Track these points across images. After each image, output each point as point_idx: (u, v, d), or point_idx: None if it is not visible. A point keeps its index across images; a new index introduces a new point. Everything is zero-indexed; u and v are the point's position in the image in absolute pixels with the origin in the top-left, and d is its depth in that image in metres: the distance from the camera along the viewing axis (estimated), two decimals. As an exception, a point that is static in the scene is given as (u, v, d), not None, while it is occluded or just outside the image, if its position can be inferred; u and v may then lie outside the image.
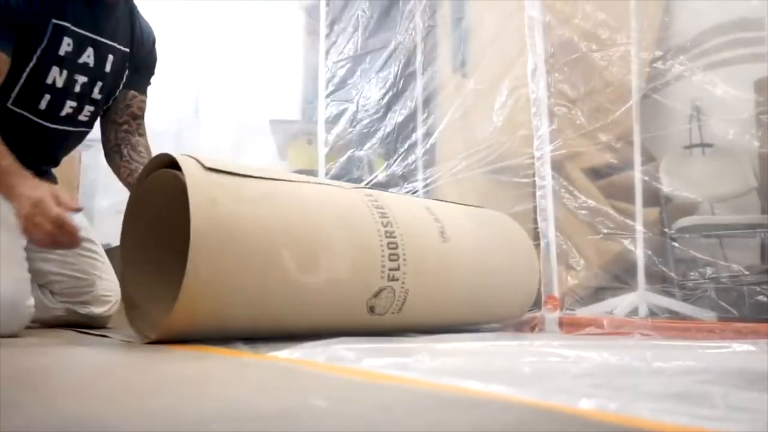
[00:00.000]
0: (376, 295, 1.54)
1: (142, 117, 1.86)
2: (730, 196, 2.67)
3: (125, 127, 1.82)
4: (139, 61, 1.81)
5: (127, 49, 1.76)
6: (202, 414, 0.65)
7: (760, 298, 2.29)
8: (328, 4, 4.11)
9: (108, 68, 1.72)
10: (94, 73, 1.70)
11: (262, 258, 1.34)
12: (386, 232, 1.57)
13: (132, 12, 1.78)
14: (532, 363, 1.07)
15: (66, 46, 1.61)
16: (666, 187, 2.65)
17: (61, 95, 1.66)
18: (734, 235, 2.63)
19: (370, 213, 1.58)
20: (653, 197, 2.65)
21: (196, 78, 4.90)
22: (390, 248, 1.56)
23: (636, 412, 0.64)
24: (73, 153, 3.16)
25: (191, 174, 1.30)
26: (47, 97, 1.65)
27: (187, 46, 4.69)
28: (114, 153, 1.82)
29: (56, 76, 1.63)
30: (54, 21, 1.58)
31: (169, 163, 1.41)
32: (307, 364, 1.04)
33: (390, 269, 1.56)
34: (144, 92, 1.87)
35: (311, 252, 1.42)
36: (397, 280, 1.57)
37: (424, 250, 1.67)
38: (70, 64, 1.64)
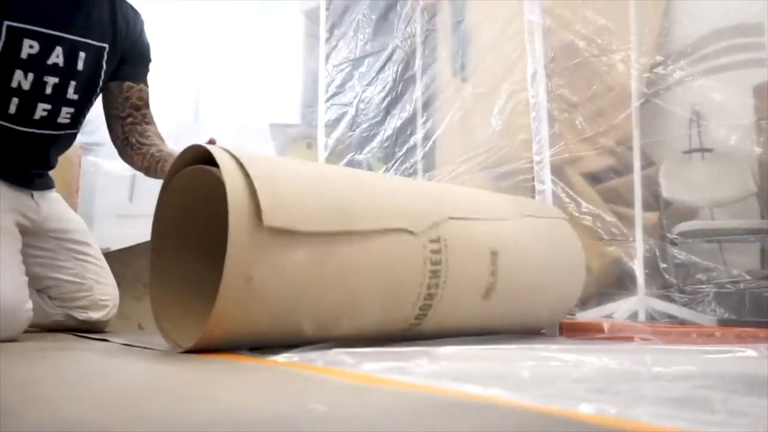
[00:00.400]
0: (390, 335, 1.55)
1: (146, 106, 1.81)
2: (729, 200, 2.67)
3: (130, 119, 1.78)
4: (125, 52, 1.77)
5: (104, 44, 1.70)
6: (202, 418, 0.65)
7: (761, 302, 2.29)
8: (328, 9, 4.12)
9: (80, 66, 1.67)
10: (66, 73, 1.65)
11: (283, 319, 1.29)
12: (427, 294, 1.50)
13: (113, 3, 1.72)
14: (531, 367, 1.07)
15: (28, 48, 1.57)
16: (666, 191, 2.65)
17: (30, 98, 1.62)
18: (734, 240, 2.63)
19: (420, 274, 1.48)
20: (653, 202, 2.65)
21: (195, 82, 4.90)
22: (421, 309, 1.52)
23: (635, 417, 0.64)
24: (73, 157, 3.17)
25: (233, 252, 1.17)
26: (15, 101, 1.61)
27: (187, 49, 4.70)
28: (124, 146, 1.79)
29: (21, 80, 1.59)
30: (7, 23, 1.54)
31: (207, 156, 1.32)
32: (307, 368, 1.03)
33: (413, 322, 1.53)
34: (141, 81, 1.82)
35: (334, 318, 1.36)
36: (418, 325, 1.55)
37: (458, 307, 1.61)
38: (35, 66, 1.60)
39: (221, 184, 1.21)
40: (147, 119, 1.80)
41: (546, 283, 1.90)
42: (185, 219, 1.44)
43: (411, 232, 1.47)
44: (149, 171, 1.73)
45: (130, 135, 1.78)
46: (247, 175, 1.22)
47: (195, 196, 1.40)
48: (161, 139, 1.79)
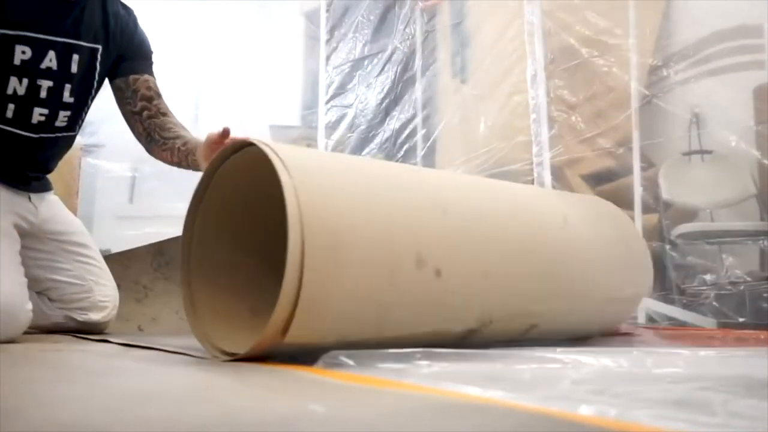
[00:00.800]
0: None
1: (158, 96, 1.80)
2: (729, 202, 2.68)
3: (146, 113, 1.77)
4: (123, 50, 1.77)
5: (97, 46, 1.70)
6: (201, 420, 0.65)
7: (761, 304, 2.29)
8: (328, 10, 4.12)
9: (74, 69, 1.67)
10: (60, 76, 1.65)
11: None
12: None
13: (104, 4, 1.72)
14: (531, 369, 1.07)
15: (21, 54, 1.58)
16: (665, 193, 2.65)
17: (26, 103, 1.63)
18: (734, 242, 2.63)
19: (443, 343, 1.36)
20: (653, 203, 2.65)
21: (195, 83, 4.90)
22: None
23: (635, 419, 0.63)
24: (73, 159, 3.17)
25: (254, 350, 1.10)
26: (11, 106, 1.62)
27: (187, 51, 4.70)
28: (149, 143, 1.77)
29: (16, 86, 1.60)
30: (0, 31, 1.55)
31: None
32: (306, 369, 1.03)
33: None
34: (146, 72, 1.81)
35: None
36: None
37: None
38: (29, 71, 1.61)
39: (273, 172, 1.11)
40: (162, 110, 1.79)
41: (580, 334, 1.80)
42: (225, 208, 1.36)
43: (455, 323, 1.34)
44: (181, 165, 1.71)
45: (152, 131, 1.76)
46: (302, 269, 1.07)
47: (240, 181, 1.32)
48: (182, 127, 1.77)
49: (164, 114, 1.78)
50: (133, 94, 1.78)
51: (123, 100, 1.80)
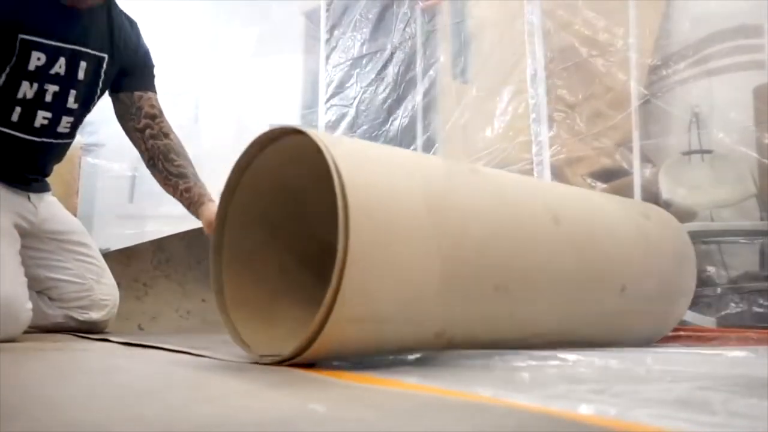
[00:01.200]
0: None
1: (161, 114, 1.81)
2: (729, 202, 2.68)
3: (148, 131, 1.78)
4: (126, 62, 1.77)
5: (104, 54, 1.72)
6: (201, 419, 0.65)
7: (760, 304, 2.29)
8: (328, 10, 4.11)
9: (81, 76, 1.68)
10: (66, 82, 1.66)
11: None
12: None
13: (109, 14, 1.73)
14: (532, 368, 1.07)
15: (36, 60, 1.60)
16: (665, 192, 2.65)
17: (31, 106, 1.64)
18: (733, 242, 2.63)
19: None
20: (653, 203, 2.65)
21: (195, 84, 4.90)
22: None
23: (635, 418, 0.64)
24: (73, 158, 3.18)
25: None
26: (18, 109, 1.63)
27: (187, 51, 4.70)
28: (151, 167, 1.79)
29: (26, 90, 1.62)
30: (21, 37, 1.56)
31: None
32: (307, 369, 1.03)
33: None
34: (149, 89, 1.82)
35: None
36: None
37: None
38: (40, 76, 1.62)
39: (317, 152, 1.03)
40: (164, 129, 1.80)
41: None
42: (258, 207, 1.29)
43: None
44: (181, 203, 1.74)
45: (155, 157, 1.76)
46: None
47: (274, 174, 1.27)
48: (186, 158, 1.77)
49: (166, 135, 1.79)
50: (138, 110, 1.79)
51: (126, 115, 1.80)
